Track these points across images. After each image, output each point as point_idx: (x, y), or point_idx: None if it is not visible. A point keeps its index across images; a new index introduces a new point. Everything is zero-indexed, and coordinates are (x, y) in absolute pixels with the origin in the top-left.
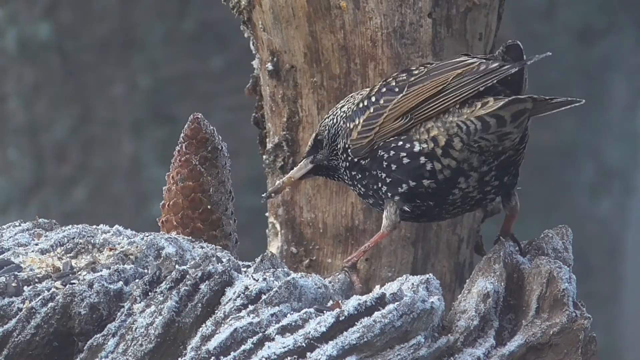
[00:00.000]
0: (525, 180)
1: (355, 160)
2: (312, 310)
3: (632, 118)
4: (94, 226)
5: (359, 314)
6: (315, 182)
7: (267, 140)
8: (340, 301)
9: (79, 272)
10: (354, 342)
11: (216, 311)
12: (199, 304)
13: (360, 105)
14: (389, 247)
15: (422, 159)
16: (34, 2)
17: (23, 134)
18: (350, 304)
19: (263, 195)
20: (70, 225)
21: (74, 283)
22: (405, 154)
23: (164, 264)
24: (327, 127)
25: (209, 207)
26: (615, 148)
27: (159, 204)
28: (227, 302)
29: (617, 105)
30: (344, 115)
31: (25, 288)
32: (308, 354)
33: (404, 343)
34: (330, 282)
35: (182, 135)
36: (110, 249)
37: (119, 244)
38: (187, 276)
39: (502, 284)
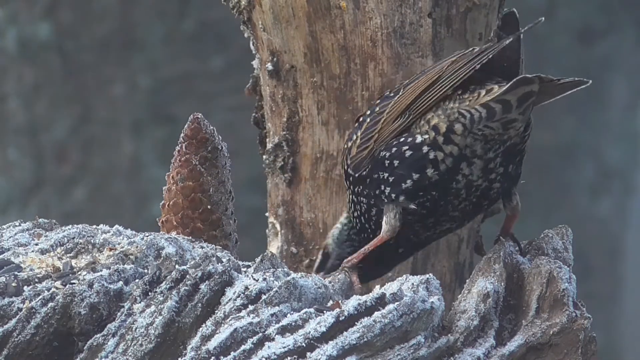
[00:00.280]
0: (525, 180)
1: (356, 175)
2: (312, 310)
3: (632, 118)
4: (94, 226)
5: (359, 314)
6: (315, 182)
7: (267, 140)
8: (340, 301)
9: (79, 272)
10: (354, 342)
11: (216, 311)
12: (199, 304)
13: (356, 123)
14: None
15: (425, 149)
16: (34, 2)
17: (23, 134)
18: (350, 304)
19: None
20: (70, 225)
21: (74, 283)
22: (407, 147)
23: (164, 264)
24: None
25: (209, 207)
26: (615, 148)
27: (159, 204)
28: (227, 302)
29: (617, 105)
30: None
31: (25, 288)
32: (308, 354)
33: (404, 343)
34: (330, 282)
35: (182, 135)
36: (110, 249)
37: (119, 244)
38: (187, 276)
39: (502, 284)
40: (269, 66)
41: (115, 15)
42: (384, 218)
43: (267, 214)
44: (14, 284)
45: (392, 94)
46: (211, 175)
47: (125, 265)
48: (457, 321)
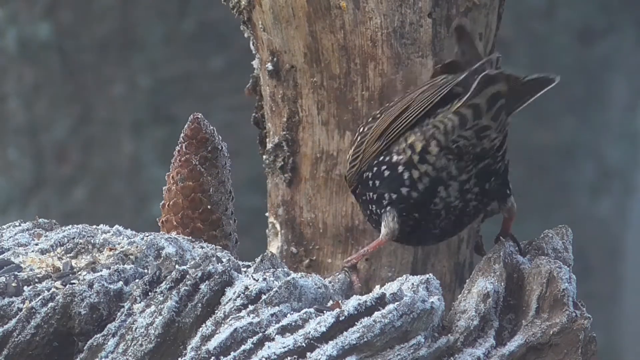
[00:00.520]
0: (525, 180)
1: (353, 191)
2: (312, 310)
3: (632, 118)
4: (94, 226)
5: (359, 314)
6: (315, 182)
7: (267, 140)
8: (340, 301)
9: (79, 272)
10: (354, 342)
11: (216, 311)
12: (199, 304)
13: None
14: (389, 247)
15: (400, 168)
16: (34, 2)
17: (23, 134)
18: (350, 304)
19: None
20: (70, 225)
21: (74, 283)
22: (385, 167)
23: (164, 264)
24: None
25: (209, 207)
26: (615, 148)
27: (159, 204)
28: (227, 302)
29: (617, 105)
30: None
31: (25, 288)
32: (308, 354)
33: (404, 343)
34: (330, 282)
35: (182, 135)
36: (110, 249)
37: (119, 244)
38: (187, 276)
39: (502, 284)
40: (269, 66)
41: (115, 15)
42: (382, 222)
43: (267, 214)
44: (14, 284)
45: (378, 115)
46: (211, 175)
47: (125, 265)
48: (457, 321)
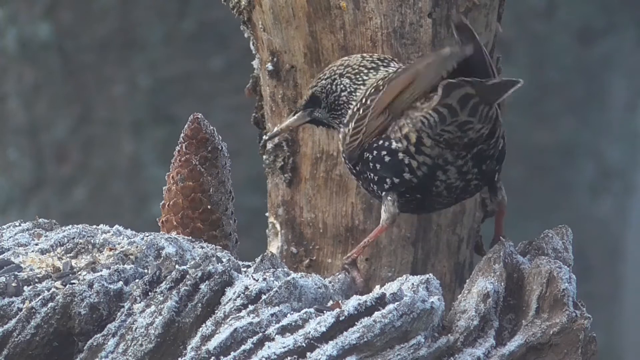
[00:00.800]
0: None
1: (351, 166)
2: (312, 310)
3: (632, 118)
4: (94, 226)
5: (359, 314)
6: (315, 182)
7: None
8: (340, 301)
9: (79, 272)
10: (354, 342)
11: (216, 311)
12: (199, 304)
13: (350, 112)
14: (389, 247)
15: (401, 155)
16: (34, 2)
17: (23, 134)
18: (350, 304)
19: (265, 137)
20: (70, 225)
21: (74, 283)
22: (385, 152)
23: (164, 264)
24: (324, 90)
25: (209, 207)
26: (615, 148)
27: (159, 204)
28: (227, 302)
29: (617, 105)
30: (344, 89)
31: (25, 288)
32: (308, 354)
33: (404, 343)
34: (330, 282)
35: (182, 135)
36: (110, 249)
37: (119, 244)
38: (187, 276)
39: (502, 284)
40: (269, 66)
41: (115, 15)
42: (382, 207)
43: (267, 214)
44: (14, 284)
45: (381, 87)
46: (211, 175)
47: (125, 265)
48: (457, 321)
